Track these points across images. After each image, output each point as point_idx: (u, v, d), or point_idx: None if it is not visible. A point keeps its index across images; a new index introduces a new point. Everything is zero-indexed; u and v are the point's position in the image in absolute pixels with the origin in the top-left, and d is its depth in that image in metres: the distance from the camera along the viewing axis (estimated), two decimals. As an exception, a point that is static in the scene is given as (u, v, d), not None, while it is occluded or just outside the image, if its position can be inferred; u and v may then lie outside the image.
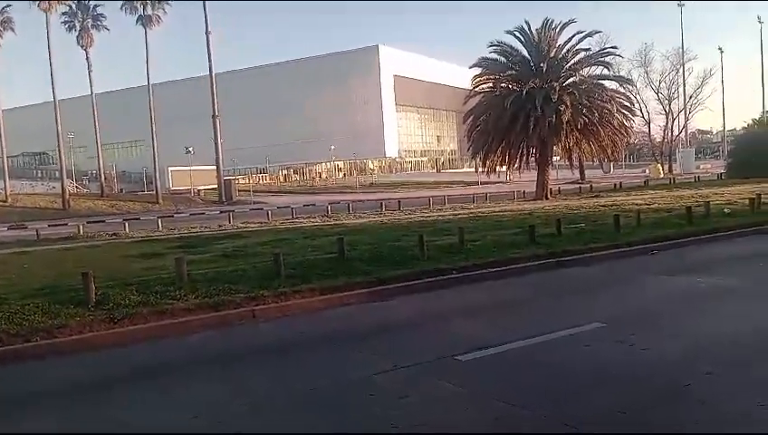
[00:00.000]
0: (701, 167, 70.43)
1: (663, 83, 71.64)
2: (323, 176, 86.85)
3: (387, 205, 31.63)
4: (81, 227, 25.42)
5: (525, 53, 35.96)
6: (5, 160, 54.77)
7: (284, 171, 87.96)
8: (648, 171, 65.52)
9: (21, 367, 7.27)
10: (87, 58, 54.96)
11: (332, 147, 76.60)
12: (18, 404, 6.07)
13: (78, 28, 54.11)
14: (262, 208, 35.03)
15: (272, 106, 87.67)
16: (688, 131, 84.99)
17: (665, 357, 6.35)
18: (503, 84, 36.20)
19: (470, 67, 37.62)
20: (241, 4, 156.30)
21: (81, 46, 54.41)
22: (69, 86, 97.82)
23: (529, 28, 35.53)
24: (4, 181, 53.30)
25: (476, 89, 37.24)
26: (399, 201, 33.39)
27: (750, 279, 10.40)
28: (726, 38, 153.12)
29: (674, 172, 65.07)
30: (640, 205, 23.18)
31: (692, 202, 21.60)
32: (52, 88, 50.64)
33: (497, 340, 7.03)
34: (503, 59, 36.38)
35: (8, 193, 51.78)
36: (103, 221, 31.48)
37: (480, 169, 43.30)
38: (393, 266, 11.45)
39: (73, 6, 53.75)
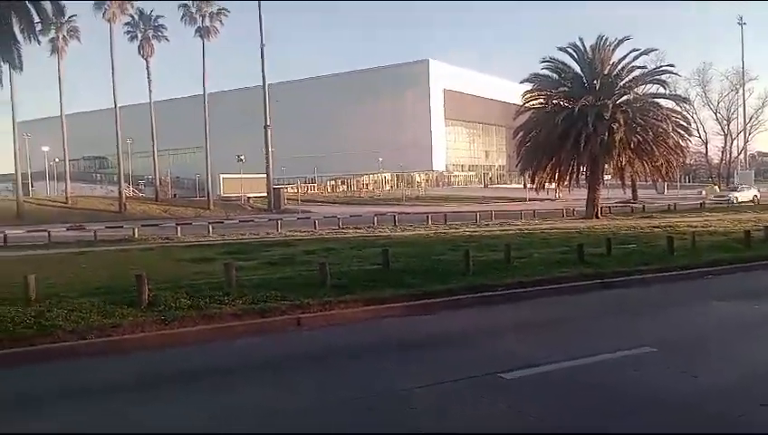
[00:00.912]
0: (760, 190, 67.76)
1: (722, 103, 69.63)
2: (370, 187, 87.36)
3: (433, 218, 31.55)
4: (135, 229, 26.27)
5: (578, 69, 35.46)
6: (67, 164, 57.14)
7: (332, 182, 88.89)
8: (704, 193, 63.43)
9: (75, 363, 7.54)
10: (147, 67, 56.94)
11: (380, 159, 77.04)
12: (70, 399, 6.30)
13: (140, 38, 56.13)
14: (309, 218, 35.44)
15: (322, 117, 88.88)
16: (747, 153, 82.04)
17: (718, 385, 6.14)
18: (554, 101, 35.75)
19: (521, 82, 37.35)
20: (293, 17, 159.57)
21: (142, 55, 56.37)
22: (128, 93, 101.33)
23: (583, 45, 35.05)
24: (66, 184, 55.62)
25: (527, 105, 36.88)
26: (446, 215, 33.27)
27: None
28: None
29: (732, 194, 62.78)
30: (695, 227, 22.48)
31: (751, 226, 20.83)
32: (113, 95, 52.71)
33: (542, 359, 6.93)
34: (555, 75, 35.97)
35: (69, 195, 53.96)
36: (157, 225, 32.45)
37: (528, 186, 42.85)
38: (438, 280, 11.43)
39: (136, 17, 55.86)
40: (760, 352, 7.48)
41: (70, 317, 8.69)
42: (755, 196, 50.12)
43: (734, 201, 46.81)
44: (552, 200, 50.81)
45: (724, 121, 70.09)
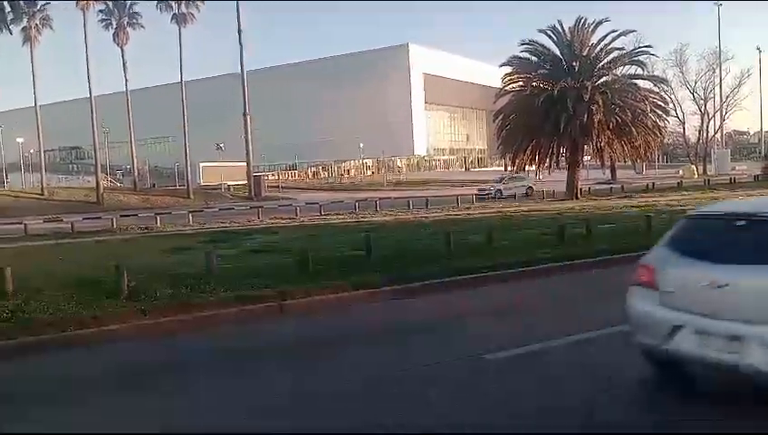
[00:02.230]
0: (736, 168, 68.85)
1: (698, 83, 70.38)
2: (352, 173, 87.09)
3: (414, 203, 31.61)
4: (114, 220, 25.96)
5: (557, 51, 35.59)
6: (42, 155, 56.21)
7: (313, 168, 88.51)
8: (681, 172, 64.29)
9: (54, 356, 7.41)
10: (122, 55, 56.06)
11: (361, 144, 76.79)
12: (49, 394, 6.21)
13: (114, 26, 55.18)
14: (290, 205, 35.30)
15: (302, 103, 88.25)
16: (724, 132, 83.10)
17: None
18: (534, 83, 35.87)
19: (501, 66, 37.44)
20: (272, 3, 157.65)
21: (117, 44, 55.48)
22: (104, 82, 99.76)
23: (561, 27, 35.19)
24: (41, 175, 54.75)
25: (507, 88, 37.00)
26: (427, 199, 33.35)
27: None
28: (765, 38, 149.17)
29: (708, 174, 63.77)
30: (673, 206, 22.79)
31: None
32: (89, 84, 51.76)
33: (523, 340, 6.96)
34: (534, 58, 36.08)
35: (44, 186, 53.13)
36: (136, 215, 32.11)
37: (509, 168, 43.02)
38: (420, 264, 11.44)
39: (110, 5, 54.85)
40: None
41: (47, 310, 8.57)
42: (530, 188, 42.80)
43: (499, 195, 40.44)
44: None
45: (701, 101, 70.90)
